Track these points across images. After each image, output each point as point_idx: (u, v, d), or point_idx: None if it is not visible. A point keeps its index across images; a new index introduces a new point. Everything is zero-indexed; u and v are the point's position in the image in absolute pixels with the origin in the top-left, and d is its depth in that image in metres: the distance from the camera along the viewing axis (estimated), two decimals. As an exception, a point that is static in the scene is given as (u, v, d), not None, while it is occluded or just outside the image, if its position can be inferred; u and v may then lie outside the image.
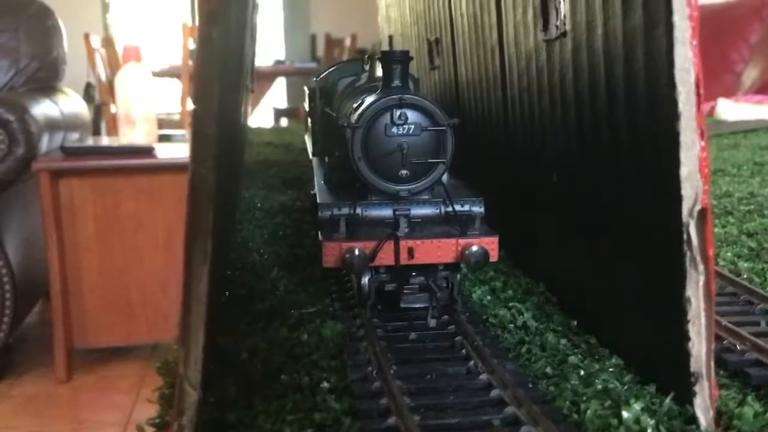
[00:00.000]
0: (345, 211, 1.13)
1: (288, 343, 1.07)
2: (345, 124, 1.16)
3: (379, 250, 1.06)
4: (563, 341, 1.07)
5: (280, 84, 8.31)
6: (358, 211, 1.13)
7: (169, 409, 0.92)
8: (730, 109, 4.03)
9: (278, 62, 7.74)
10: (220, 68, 0.80)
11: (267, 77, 6.99)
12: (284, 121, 6.89)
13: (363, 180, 1.14)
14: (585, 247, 1.11)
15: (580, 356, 1.02)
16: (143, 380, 2.88)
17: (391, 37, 1.53)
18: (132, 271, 2.80)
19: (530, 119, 1.24)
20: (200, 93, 0.77)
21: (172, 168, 2.73)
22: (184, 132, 3.51)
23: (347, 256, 1.05)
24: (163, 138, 3.14)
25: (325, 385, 0.95)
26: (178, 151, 2.92)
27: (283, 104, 8.26)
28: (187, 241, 0.79)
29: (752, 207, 1.85)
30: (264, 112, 7.39)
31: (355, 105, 1.21)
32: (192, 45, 5.88)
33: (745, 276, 1.33)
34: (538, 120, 1.21)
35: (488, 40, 1.39)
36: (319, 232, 1.11)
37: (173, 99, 6.05)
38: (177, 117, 5.56)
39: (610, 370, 0.97)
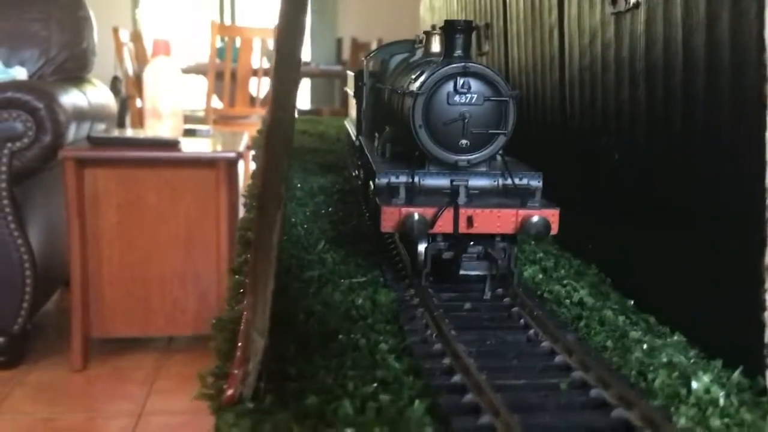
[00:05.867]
0: (402, 179, 1.12)
1: (343, 307, 1.06)
2: (406, 92, 1.15)
3: (439, 217, 1.05)
4: (621, 318, 1.05)
5: (304, 86, 8.34)
6: (416, 179, 1.12)
7: (228, 362, 0.91)
8: None
9: (304, 64, 7.77)
10: (300, 19, 0.79)
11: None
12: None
13: (422, 148, 1.13)
14: (646, 226, 1.09)
15: (640, 332, 1.00)
16: (157, 372, 2.88)
17: (434, 27, 1.52)
18: (151, 263, 2.81)
19: (591, 98, 1.23)
20: (285, 35, 0.76)
21: (196, 163, 2.74)
22: (209, 128, 3.53)
23: (407, 220, 1.04)
24: (188, 133, 3.15)
25: (384, 346, 0.93)
26: (203, 146, 2.93)
27: (307, 105, 8.29)
28: (263, 186, 0.78)
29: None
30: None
31: (414, 76, 1.20)
32: (219, 43, 5.91)
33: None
34: (600, 98, 1.20)
35: (546, 20, 1.38)
36: (377, 198, 1.10)
37: (198, 96, 6.09)
38: (201, 114, 5.59)
39: (674, 346, 0.96)
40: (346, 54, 8.07)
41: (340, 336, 0.96)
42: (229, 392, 0.81)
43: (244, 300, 1.09)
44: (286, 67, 0.77)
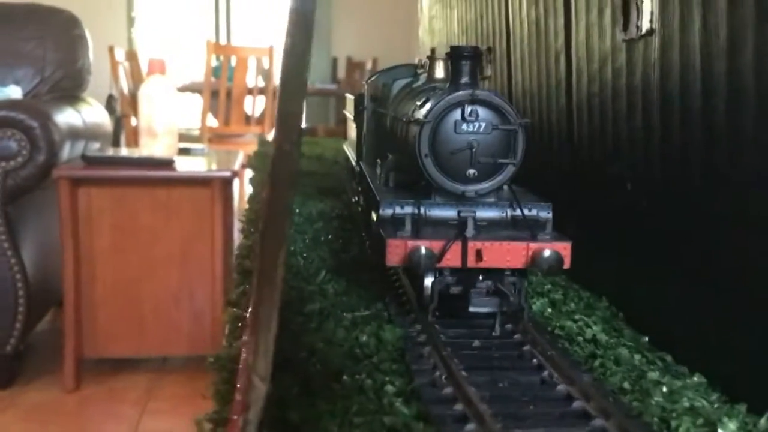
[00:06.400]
0: (408, 210, 1.08)
1: (346, 344, 1.01)
2: (411, 120, 1.11)
3: (447, 251, 1.00)
4: (637, 356, 1.01)
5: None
6: (421, 210, 1.08)
7: (225, 405, 0.87)
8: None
9: (299, 82, 7.75)
10: (309, 45, 0.75)
11: (287, 96, 7.00)
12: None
13: (428, 178, 1.09)
14: (663, 260, 1.05)
15: (658, 373, 0.95)
16: (151, 392, 2.83)
17: (433, 50, 1.49)
18: (145, 283, 2.76)
19: (601, 125, 1.19)
20: (291, 67, 0.72)
21: (191, 181, 2.71)
22: (203, 146, 3.49)
23: (413, 254, 0.99)
24: (182, 151, 3.12)
25: (390, 388, 0.89)
26: (198, 164, 2.89)
27: (302, 124, 8.26)
28: (266, 221, 0.74)
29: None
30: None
31: (419, 103, 1.16)
32: (215, 62, 5.90)
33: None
34: (611, 125, 1.16)
35: (552, 44, 1.35)
36: (381, 230, 1.06)
37: (193, 114, 6.06)
38: (196, 132, 5.56)
39: (695, 388, 0.91)
40: (341, 73, 8.07)
41: (345, 377, 0.91)
42: (228, 441, 0.76)
43: (242, 336, 1.04)
44: (291, 98, 0.73)
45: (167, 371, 3.03)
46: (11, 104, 2.84)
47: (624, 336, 1.08)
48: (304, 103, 0.82)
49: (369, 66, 7.11)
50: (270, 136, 5.37)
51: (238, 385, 0.84)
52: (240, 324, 1.14)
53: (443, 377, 0.89)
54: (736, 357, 0.90)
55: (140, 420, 2.65)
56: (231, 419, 0.78)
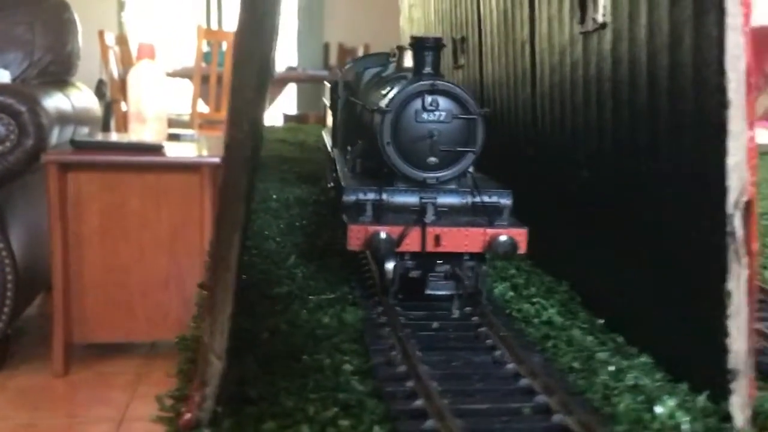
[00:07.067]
0: (371, 196, 1.11)
1: (308, 326, 1.05)
2: (374, 109, 1.14)
3: (406, 236, 1.04)
4: (590, 338, 1.04)
5: (290, 90, 8.32)
6: (384, 197, 1.12)
7: (188, 383, 0.90)
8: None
9: (290, 68, 7.74)
10: (259, 33, 0.78)
11: (278, 83, 6.99)
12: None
13: (390, 165, 1.12)
14: (615, 245, 1.09)
15: (608, 353, 0.99)
16: (140, 378, 2.85)
17: (413, 38, 1.51)
18: (134, 268, 2.78)
19: (561, 114, 1.23)
20: (242, 55, 0.75)
21: (180, 167, 2.72)
22: (193, 132, 3.49)
23: (374, 239, 1.03)
24: (172, 137, 3.13)
25: (348, 367, 0.92)
26: (187, 150, 2.91)
27: (293, 110, 8.26)
28: (220, 207, 0.77)
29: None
30: (273, 117, 7.39)
31: (383, 92, 1.19)
32: (206, 47, 5.90)
33: (770, 285, 1.31)
34: (569, 115, 1.19)
35: (518, 36, 1.38)
36: (344, 215, 1.09)
37: (184, 100, 6.06)
38: (186, 118, 5.56)
39: (640, 367, 0.95)
40: (333, 59, 8.05)
41: (304, 356, 0.95)
42: (187, 416, 0.80)
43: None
44: (243, 87, 0.76)
45: (156, 356, 3.05)
46: None
47: (579, 318, 1.12)
48: (266, 91, 0.84)
49: (360, 52, 7.11)
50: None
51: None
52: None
53: (398, 356, 0.93)
54: (680, 337, 0.94)
55: (129, 405, 2.67)
56: (190, 395, 0.82)
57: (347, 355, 0.96)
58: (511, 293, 1.23)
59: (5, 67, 3.44)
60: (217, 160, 2.76)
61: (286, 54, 8.59)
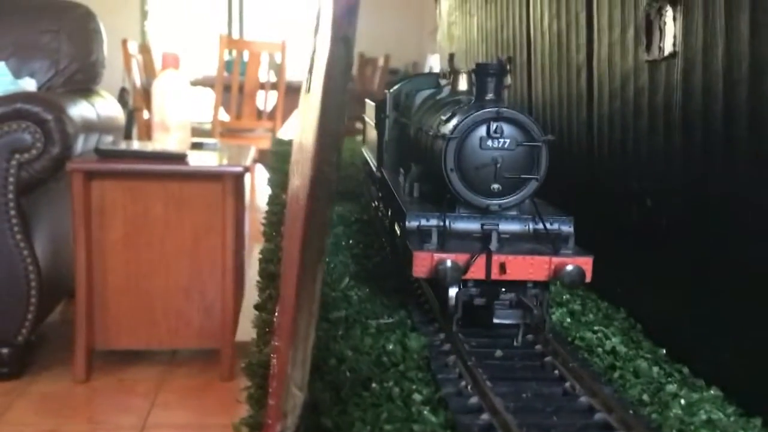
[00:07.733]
0: (433, 222, 1.11)
1: (374, 352, 1.04)
2: (437, 135, 1.14)
3: (473, 264, 1.04)
4: (655, 368, 1.04)
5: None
6: (446, 223, 1.12)
7: (260, 410, 0.90)
8: None
9: (311, 78, 7.77)
10: (346, 69, 0.78)
11: (299, 91, 7.03)
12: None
13: (453, 192, 1.12)
14: (682, 275, 1.08)
15: (676, 385, 0.98)
16: (161, 385, 2.87)
17: (452, 55, 1.52)
18: (157, 276, 2.80)
19: (621, 141, 1.22)
20: (331, 88, 0.75)
21: (203, 176, 2.74)
22: (216, 141, 3.51)
23: (440, 267, 1.03)
24: (195, 146, 3.15)
25: (417, 396, 0.92)
26: (210, 159, 2.92)
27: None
28: (305, 238, 0.77)
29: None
30: (292, 126, 7.43)
31: (444, 117, 1.19)
32: (227, 56, 5.94)
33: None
34: (631, 142, 1.19)
35: (574, 58, 1.38)
36: (408, 242, 1.09)
37: (205, 108, 6.10)
38: (208, 126, 5.60)
39: (711, 401, 0.94)
40: (353, 69, 8.08)
41: (373, 384, 0.95)
42: (266, 447, 0.80)
43: (272, 341, 1.08)
44: (331, 120, 0.76)
45: (177, 364, 3.06)
46: (26, 97, 2.87)
47: (643, 348, 1.11)
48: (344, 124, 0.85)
49: (381, 62, 7.13)
50: (279, 133, 5.41)
51: (270, 390, 0.87)
52: (267, 329, 1.18)
53: (469, 386, 0.93)
54: (752, 370, 0.93)
55: (150, 412, 2.68)
56: (266, 424, 0.82)
57: (415, 384, 0.96)
58: (569, 320, 1.22)
59: (31, 76, 3.49)
60: (239, 169, 2.78)
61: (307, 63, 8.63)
